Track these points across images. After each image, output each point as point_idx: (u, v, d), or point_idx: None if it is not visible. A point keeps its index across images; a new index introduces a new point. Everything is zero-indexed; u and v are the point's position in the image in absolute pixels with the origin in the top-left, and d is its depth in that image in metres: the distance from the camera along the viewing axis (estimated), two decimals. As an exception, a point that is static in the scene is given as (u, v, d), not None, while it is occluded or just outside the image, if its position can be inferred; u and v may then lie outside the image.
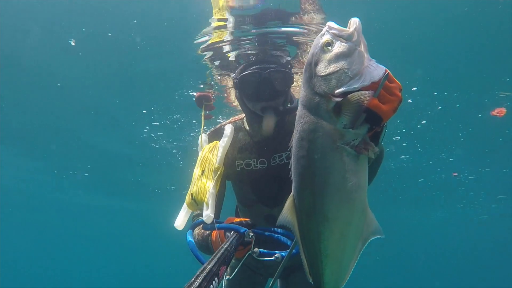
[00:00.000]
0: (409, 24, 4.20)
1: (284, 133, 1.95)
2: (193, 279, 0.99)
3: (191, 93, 5.11)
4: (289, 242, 1.65)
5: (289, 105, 2.01)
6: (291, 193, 1.29)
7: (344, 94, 1.08)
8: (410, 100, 5.99)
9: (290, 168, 1.27)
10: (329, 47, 1.14)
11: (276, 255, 1.56)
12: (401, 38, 4.44)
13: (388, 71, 1.10)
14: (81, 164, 10.67)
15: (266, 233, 1.71)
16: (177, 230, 2.05)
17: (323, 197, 1.17)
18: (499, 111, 6.20)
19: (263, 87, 1.88)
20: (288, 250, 1.47)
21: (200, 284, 0.98)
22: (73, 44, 4.43)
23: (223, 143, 1.97)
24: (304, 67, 1.21)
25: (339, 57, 1.11)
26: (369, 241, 1.24)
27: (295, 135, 1.22)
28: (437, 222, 20.78)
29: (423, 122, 7.30)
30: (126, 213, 19.28)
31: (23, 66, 5.26)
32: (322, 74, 1.13)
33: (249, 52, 3.24)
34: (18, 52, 4.88)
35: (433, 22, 4.24)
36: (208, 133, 2.20)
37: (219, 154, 1.93)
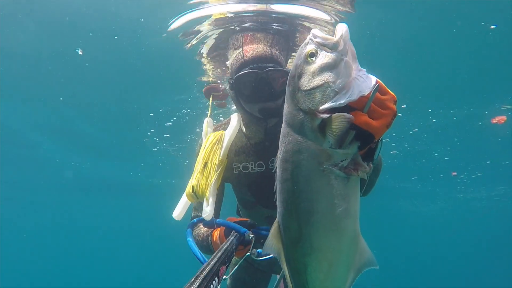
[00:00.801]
0: (405, 41, 4.11)
1: None
2: (193, 279, 0.97)
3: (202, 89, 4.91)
4: None
5: None
6: (276, 219, 1.18)
7: (330, 111, 0.97)
8: (400, 114, 5.96)
9: (275, 192, 1.16)
10: (313, 58, 1.03)
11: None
12: (396, 54, 4.37)
13: (380, 82, 0.99)
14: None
15: (266, 232, 1.65)
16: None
17: (309, 224, 1.05)
18: (499, 119, 6.32)
19: (261, 88, 1.77)
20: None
21: (200, 284, 0.96)
22: (80, 53, 4.37)
23: (229, 132, 1.92)
24: (288, 80, 1.10)
25: (323, 69, 1.00)
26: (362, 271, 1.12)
27: (279, 156, 1.11)
28: (435, 213, 20.91)
29: (415, 130, 7.24)
30: (124, 211, 19.08)
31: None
32: (305, 88, 1.02)
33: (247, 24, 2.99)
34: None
35: (432, 43, 4.19)
36: (214, 126, 2.13)
37: (224, 145, 1.88)
